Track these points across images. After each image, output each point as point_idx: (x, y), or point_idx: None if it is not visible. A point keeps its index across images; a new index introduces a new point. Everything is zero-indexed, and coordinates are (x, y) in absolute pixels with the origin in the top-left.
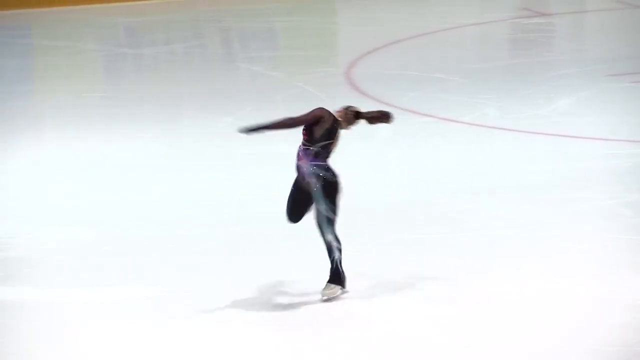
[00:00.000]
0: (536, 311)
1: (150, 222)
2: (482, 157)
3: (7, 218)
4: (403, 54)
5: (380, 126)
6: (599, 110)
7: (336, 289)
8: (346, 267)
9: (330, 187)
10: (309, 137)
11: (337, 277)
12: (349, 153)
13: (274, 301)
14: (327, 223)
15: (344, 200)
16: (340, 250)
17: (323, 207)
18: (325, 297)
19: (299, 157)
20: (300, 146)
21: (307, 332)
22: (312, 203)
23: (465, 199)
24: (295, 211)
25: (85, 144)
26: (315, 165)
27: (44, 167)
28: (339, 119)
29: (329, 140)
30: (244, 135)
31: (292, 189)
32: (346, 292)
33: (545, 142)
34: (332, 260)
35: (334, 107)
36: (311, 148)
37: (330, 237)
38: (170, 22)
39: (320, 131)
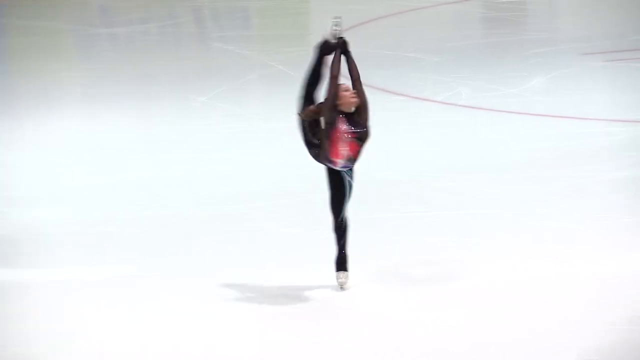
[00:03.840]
0: (530, 289)
1: (127, 203)
2: (456, 136)
3: None
4: (377, 33)
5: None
6: (573, 89)
7: (347, 274)
8: (327, 247)
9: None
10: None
11: (345, 262)
12: None
13: (253, 282)
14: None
15: (317, 181)
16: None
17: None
18: (343, 287)
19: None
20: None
21: (285, 312)
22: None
23: (440, 178)
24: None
25: (60, 124)
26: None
27: (18, 147)
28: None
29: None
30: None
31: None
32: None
33: (519, 121)
34: (343, 245)
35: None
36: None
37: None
38: (145, 2)
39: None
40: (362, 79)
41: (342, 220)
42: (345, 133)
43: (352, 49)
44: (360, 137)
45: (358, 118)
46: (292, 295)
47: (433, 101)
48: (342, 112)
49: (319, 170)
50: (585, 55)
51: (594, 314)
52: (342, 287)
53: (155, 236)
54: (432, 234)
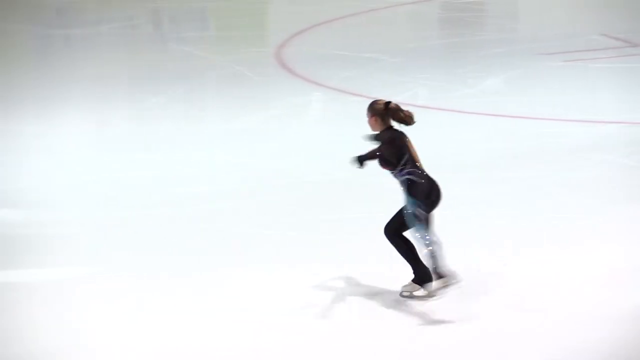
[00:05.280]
0: (484, 287)
1: (85, 203)
2: (413, 136)
3: None
4: (335, 33)
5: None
6: (530, 89)
7: (416, 287)
8: (289, 247)
9: (416, 187)
10: (393, 166)
11: (423, 276)
12: (280, 133)
13: (231, 281)
14: (414, 220)
15: (276, 180)
16: (431, 247)
17: (408, 205)
18: (405, 293)
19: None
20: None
21: (261, 311)
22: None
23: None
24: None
25: (15, 126)
26: (405, 174)
27: None
28: (395, 121)
29: (402, 152)
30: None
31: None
32: (426, 293)
33: (477, 121)
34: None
35: (273, 89)
36: (402, 172)
37: (419, 234)
38: (101, 3)
39: (392, 152)
40: (321, 80)
41: (416, 238)
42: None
43: (312, 50)
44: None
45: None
46: (264, 294)
47: None
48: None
49: (277, 170)
50: (542, 56)
51: (545, 312)
52: (402, 292)
53: (119, 236)
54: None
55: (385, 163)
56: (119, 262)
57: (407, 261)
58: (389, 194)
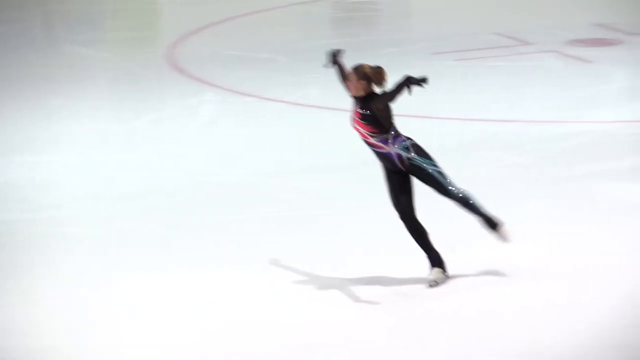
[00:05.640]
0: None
1: None
2: (305, 136)
3: None
4: (227, 34)
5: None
6: (423, 88)
7: (439, 272)
8: (176, 250)
9: (419, 148)
10: (381, 128)
11: (439, 259)
12: (174, 134)
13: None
14: (443, 178)
15: (174, 181)
16: (468, 192)
17: (430, 167)
18: (433, 283)
19: (379, 147)
20: (374, 141)
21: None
22: (411, 182)
23: (291, 178)
24: (402, 200)
25: None
26: (399, 142)
27: None
28: (376, 84)
29: (392, 119)
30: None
31: (389, 183)
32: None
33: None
34: (476, 211)
35: (167, 90)
36: (389, 134)
37: (457, 189)
38: None
39: (386, 116)
40: (214, 81)
41: (456, 196)
42: (354, 113)
43: (205, 51)
44: (364, 118)
45: (368, 102)
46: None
47: (283, 102)
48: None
49: (173, 171)
50: (436, 55)
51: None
52: (431, 283)
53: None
54: (285, 232)
55: (376, 126)
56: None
57: (422, 247)
58: (282, 194)
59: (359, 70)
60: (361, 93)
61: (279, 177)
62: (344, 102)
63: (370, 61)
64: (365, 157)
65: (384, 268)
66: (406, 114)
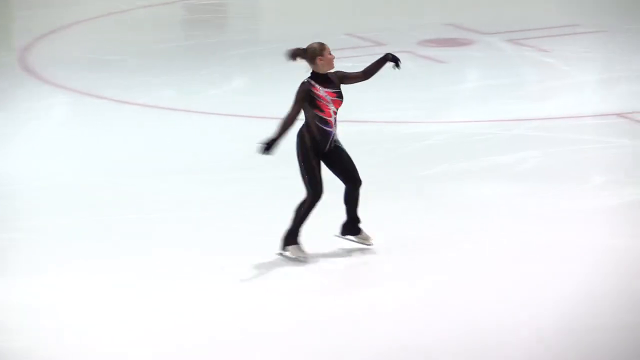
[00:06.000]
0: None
1: None
2: (159, 138)
3: None
4: (79, 36)
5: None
6: (274, 89)
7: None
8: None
9: None
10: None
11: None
12: (28, 137)
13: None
14: None
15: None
16: None
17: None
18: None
19: (332, 126)
20: (333, 119)
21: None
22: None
23: (144, 181)
24: (353, 169)
25: None
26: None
27: None
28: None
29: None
30: (266, 155)
31: (317, 164)
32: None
33: (223, 122)
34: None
35: (18, 93)
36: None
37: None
38: None
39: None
40: (66, 83)
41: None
42: (328, 95)
43: (56, 53)
44: (340, 94)
45: (332, 81)
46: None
47: (136, 104)
48: (321, 76)
49: (30, 172)
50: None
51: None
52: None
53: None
54: (137, 237)
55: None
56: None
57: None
58: (137, 197)
59: (326, 46)
60: (323, 70)
61: (130, 179)
62: (197, 103)
63: (220, 62)
64: (220, 160)
65: (246, 269)
66: (258, 116)
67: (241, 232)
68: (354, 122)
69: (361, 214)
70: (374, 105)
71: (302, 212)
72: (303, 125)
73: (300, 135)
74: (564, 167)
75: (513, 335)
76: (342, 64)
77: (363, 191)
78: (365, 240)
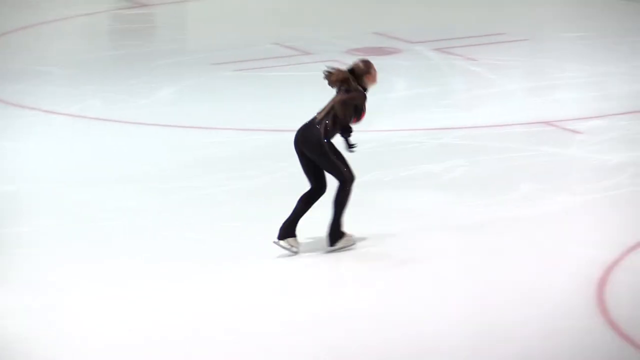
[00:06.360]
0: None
1: None
2: (88, 148)
3: None
4: (6, 47)
5: None
6: (203, 99)
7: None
8: None
9: None
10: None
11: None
12: None
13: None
14: None
15: None
16: None
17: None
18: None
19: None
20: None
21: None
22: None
23: (73, 190)
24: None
25: None
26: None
27: None
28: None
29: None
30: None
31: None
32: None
33: (150, 132)
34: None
35: None
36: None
37: None
38: None
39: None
40: None
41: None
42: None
43: None
44: None
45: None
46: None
47: (64, 114)
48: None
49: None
50: (215, 66)
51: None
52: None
53: None
54: (69, 245)
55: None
56: None
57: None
58: (66, 206)
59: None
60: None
61: (57, 188)
62: (126, 114)
63: (148, 72)
64: (148, 170)
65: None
66: (186, 125)
67: (189, 240)
68: (281, 131)
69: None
70: (301, 114)
71: (343, 199)
72: (329, 122)
73: (325, 130)
74: (492, 175)
75: (440, 342)
76: (268, 74)
77: (292, 203)
78: (293, 246)
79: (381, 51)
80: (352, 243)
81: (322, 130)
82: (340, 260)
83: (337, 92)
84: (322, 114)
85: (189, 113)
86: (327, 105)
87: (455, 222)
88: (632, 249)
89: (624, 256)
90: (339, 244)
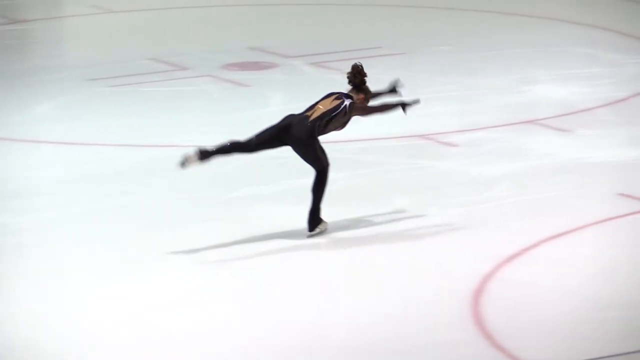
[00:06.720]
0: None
1: None
2: None
3: None
4: None
5: None
6: (79, 115)
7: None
8: None
9: None
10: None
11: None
12: None
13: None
14: None
15: None
16: None
17: None
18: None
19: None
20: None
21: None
22: None
23: None
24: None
25: None
26: None
27: None
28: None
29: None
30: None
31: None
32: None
33: (26, 149)
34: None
35: None
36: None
37: None
38: None
39: None
40: None
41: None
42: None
43: None
44: None
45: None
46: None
47: None
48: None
49: None
50: (91, 81)
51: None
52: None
53: None
54: None
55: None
56: None
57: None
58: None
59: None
60: None
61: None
62: (3, 130)
63: (24, 88)
64: (25, 187)
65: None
66: (63, 141)
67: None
68: (158, 146)
69: (171, 239)
70: (174, 129)
71: (321, 187)
72: (322, 121)
73: (317, 129)
74: (369, 189)
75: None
76: (144, 90)
77: (170, 219)
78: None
79: (257, 66)
80: (325, 229)
81: (314, 128)
82: (218, 273)
83: (353, 90)
84: (316, 114)
85: (65, 129)
86: (327, 106)
87: (327, 237)
88: (507, 260)
89: (498, 268)
90: (318, 229)
